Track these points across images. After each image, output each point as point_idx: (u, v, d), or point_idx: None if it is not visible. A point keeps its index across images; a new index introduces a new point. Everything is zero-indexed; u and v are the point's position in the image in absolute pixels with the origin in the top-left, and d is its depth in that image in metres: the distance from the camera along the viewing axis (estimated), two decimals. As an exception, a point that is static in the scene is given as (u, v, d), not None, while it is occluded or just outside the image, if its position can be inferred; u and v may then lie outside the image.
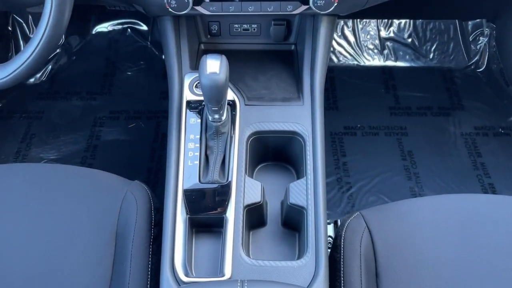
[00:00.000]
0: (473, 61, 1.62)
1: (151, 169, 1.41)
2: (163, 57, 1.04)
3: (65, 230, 0.89)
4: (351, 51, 1.63)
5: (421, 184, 1.37)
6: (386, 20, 1.61)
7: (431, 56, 1.63)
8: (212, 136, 0.88)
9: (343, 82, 1.58)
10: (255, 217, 0.86)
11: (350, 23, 1.62)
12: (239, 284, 0.67)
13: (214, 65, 0.75)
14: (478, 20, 1.59)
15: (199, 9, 0.90)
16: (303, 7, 0.89)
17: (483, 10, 1.55)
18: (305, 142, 0.90)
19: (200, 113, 0.91)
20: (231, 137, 0.89)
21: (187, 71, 0.98)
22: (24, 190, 0.93)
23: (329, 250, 0.86)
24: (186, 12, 0.88)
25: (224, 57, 0.77)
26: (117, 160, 1.43)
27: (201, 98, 0.92)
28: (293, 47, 1.09)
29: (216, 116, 0.85)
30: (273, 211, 0.91)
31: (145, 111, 1.53)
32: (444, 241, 0.89)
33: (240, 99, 0.94)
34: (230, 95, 0.93)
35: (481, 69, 1.62)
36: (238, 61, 1.04)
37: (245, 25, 1.05)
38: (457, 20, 1.59)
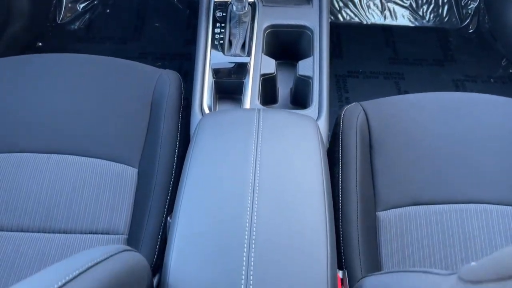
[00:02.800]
0: (465, 23, 1.81)
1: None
2: None
3: (107, 100, 1.05)
4: (355, 11, 1.82)
5: None
6: (387, -16, 1.81)
7: (427, 17, 1.82)
8: (235, 24, 1.06)
9: (347, 37, 1.77)
10: (268, 88, 1.03)
11: (355, -14, 1.82)
12: (256, 111, 0.83)
13: None
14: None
15: None
16: None
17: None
18: (313, 34, 1.07)
19: (225, 11, 1.10)
20: (251, 28, 1.06)
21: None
22: (72, 71, 1.10)
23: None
24: None
25: None
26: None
27: (227, -1, 1.10)
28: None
29: (240, 6, 1.03)
30: (282, 95, 1.08)
31: (170, 53, 1.72)
32: (429, 121, 1.04)
33: (258, 2, 1.12)
34: (250, -2, 1.11)
35: (472, 30, 1.80)
36: None
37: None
38: (450, -15, 1.79)
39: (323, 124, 0.92)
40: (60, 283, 0.43)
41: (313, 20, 1.09)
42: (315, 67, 1.01)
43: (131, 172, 0.98)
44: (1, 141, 0.99)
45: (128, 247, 0.59)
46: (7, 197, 0.93)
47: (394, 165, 1.00)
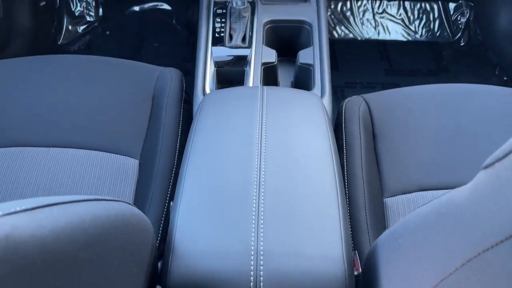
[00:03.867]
0: (456, 37, 1.86)
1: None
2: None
3: (108, 94, 1.05)
4: (350, 27, 1.87)
5: None
6: (379, 2, 1.87)
7: (419, 32, 1.87)
8: (235, 19, 1.08)
9: (343, 51, 1.80)
10: (270, 77, 1.03)
11: (348, 4, 1.88)
12: (260, 88, 0.83)
13: None
14: (458, 1, 1.85)
15: None
16: None
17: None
18: (312, 28, 1.09)
19: (225, 9, 1.12)
20: (251, 22, 1.09)
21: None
22: (72, 70, 1.10)
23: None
24: None
25: None
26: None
27: (226, -1, 1.13)
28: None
29: (240, 1, 1.06)
30: (283, 85, 1.08)
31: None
32: (430, 109, 1.04)
33: (258, 0, 1.15)
34: (250, -3, 1.14)
35: (463, 43, 1.85)
36: None
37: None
38: (439, 2, 1.85)
39: (327, 101, 0.92)
40: (18, 208, 0.36)
41: (311, 15, 1.12)
42: (316, 55, 1.02)
43: (132, 163, 0.97)
44: None
45: (125, 201, 0.55)
46: (5, 191, 0.91)
47: (398, 152, 0.99)
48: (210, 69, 1.01)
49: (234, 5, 1.06)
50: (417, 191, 0.95)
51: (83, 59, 1.15)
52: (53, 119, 1.01)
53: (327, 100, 0.93)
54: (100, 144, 0.98)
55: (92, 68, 1.11)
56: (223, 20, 1.09)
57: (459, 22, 1.86)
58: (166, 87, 1.05)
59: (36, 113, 1.02)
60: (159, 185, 0.91)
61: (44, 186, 0.91)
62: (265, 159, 0.65)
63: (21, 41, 1.67)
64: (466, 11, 1.85)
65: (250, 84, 0.98)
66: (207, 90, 0.97)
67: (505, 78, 1.67)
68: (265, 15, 1.11)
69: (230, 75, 1.01)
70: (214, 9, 1.12)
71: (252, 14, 1.10)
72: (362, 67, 1.76)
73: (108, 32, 1.90)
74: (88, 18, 1.89)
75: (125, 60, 1.16)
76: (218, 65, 1.01)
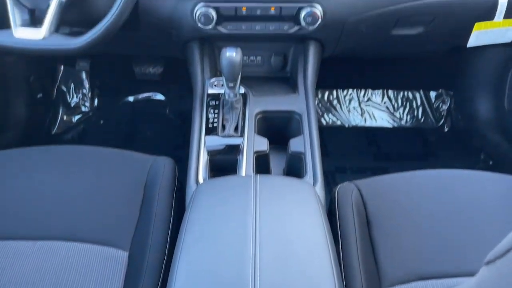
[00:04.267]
0: (440, 123, 1.93)
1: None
2: (189, 68, 1.31)
3: (97, 185, 1.04)
4: (337, 115, 1.94)
5: None
6: (363, 90, 1.96)
7: (404, 119, 1.95)
8: (228, 110, 1.11)
9: (331, 138, 1.86)
10: (262, 165, 1.04)
11: (335, 93, 1.96)
12: (253, 177, 0.84)
13: (232, 51, 1.03)
14: (439, 90, 1.95)
15: (220, 28, 1.22)
16: (296, 27, 1.22)
17: (441, 82, 1.92)
18: (301, 118, 1.13)
19: (218, 100, 1.16)
20: (243, 113, 1.12)
21: (207, 77, 1.26)
22: (61, 161, 1.10)
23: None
24: (211, 27, 1.19)
25: (239, 48, 1.06)
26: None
27: (219, 91, 1.18)
28: (288, 74, 1.39)
29: (232, 93, 1.10)
30: (275, 173, 1.09)
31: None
32: (424, 196, 1.05)
33: (249, 92, 1.20)
34: (242, 89, 1.19)
35: (447, 129, 1.92)
36: (245, 80, 1.33)
37: (252, 57, 1.37)
38: (421, 90, 1.95)
39: (319, 189, 0.93)
40: None
41: (300, 105, 1.17)
42: (306, 144, 1.05)
43: (120, 255, 0.94)
44: None
45: None
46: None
47: (394, 239, 0.98)
48: (203, 158, 1.02)
49: (227, 97, 1.10)
50: (417, 280, 0.92)
51: (75, 149, 1.16)
52: (41, 211, 0.99)
53: (319, 187, 0.94)
54: (89, 236, 0.96)
55: (83, 158, 1.11)
56: (216, 111, 1.12)
57: (441, 109, 1.94)
58: (159, 177, 1.05)
59: (24, 205, 1.00)
60: (148, 280, 0.87)
61: (27, 285, 0.87)
62: (260, 253, 0.63)
63: (14, 132, 1.69)
64: (446, 99, 1.94)
65: (243, 173, 0.99)
66: (200, 180, 0.98)
67: (490, 163, 1.71)
68: (256, 106, 1.15)
69: (223, 163, 1.03)
70: (208, 100, 1.16)
71: (244, 105, 1.14)
72: (352, 152, 1.80)
73: (102, 122, 1.94)
74: (83, 109, 1.95)
75: (118, 149, 1.17)
76: (211, 154, 1.02)
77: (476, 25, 1.25)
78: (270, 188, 0.78)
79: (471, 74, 1.76)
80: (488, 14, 1.22)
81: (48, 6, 0.97)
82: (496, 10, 1.20)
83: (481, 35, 1.28)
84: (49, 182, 1.05)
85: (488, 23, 1.24)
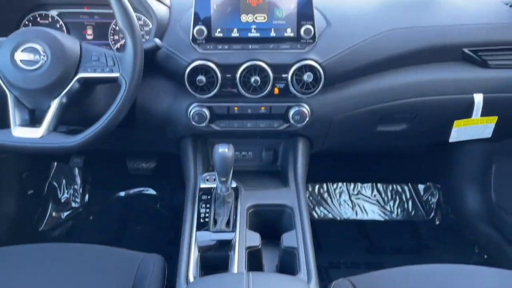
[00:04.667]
0: (431, 216, 1.94)
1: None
2: (182, 163, 1.34)
3: (83, 285, 1.01)
4: (328, 208, 1.95)
5: None
6: (353, 184, 1.99)
7: (395, 212, 1.95)
8: (219, 204, 1.12)
9: (324, 231, 1.84)
10: (254, 261, 1.02)
11: (325, 187, 1.99)
12: (245, 275, 0.82)
13: (224, 147, 1.07)
14: (426, 184, 1.99)
15: (213, 126, 1.27)
16: (286, 124, 1.27)
17: (428, 175, 1.97)
18: (293, 212, 1.13)
19: (210, 195, 1.17)
20: (235, 207, 1.13)
21: (200, 172, 1.28)
22: (46, 261, 1.07)
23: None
24: (204, 125, 1.24)
25: (231, 144, 1.10)
26: None
27: (211, 185, 1.19)
28: (279, 168, 1.42)
29: (224, 188, 1.11)
30: (268, 269, 1.07)
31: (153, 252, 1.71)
32: None
33: (241, 187, 1.21)
34: (234, 184, 1.21)
35: (438, 222, 1.92)
36: (237, 174, 1.35)
37: (243, 152, 1.41)
38: (409, 184, 1.99)
39: (314, 286, 0.90)
40: None
41: (291, 199, 1.18)
42: (299, 238, 1.04)
43: None
44: None
45: None
46: None
47: None
48: (194, 255, 1.00)
49: (219, 191, 1.11)
50: None
51: (60, 248, 1.14)
52: None
53: (313, 285, 0.92)
54: None
55: (69, 258, 1.09)
56: (207, 205, 1.13)
57: (430, 202, 1.96)
58: (147, 276, 1.02)
59: None
60: None
61: None
62: None
63: (2, 226, 1.65)
64: (435, 192, 1.97)
65: (235, 270, 0.96)
66: (191, 278, 0.95)
67: (485, 256, 1.69)
68: (248, 200, 1.16)
69: (215, 260, 1.00)
70: (199, 195, 1.17)
71: (236, 199, 1.15)
72: (344, 246, 1.77)
73: (91, 217, 1.92)
74: (73, 205, 1.93)
75: (105, 246, 1.14)
76: (202, 250, 1.01)
77: (456, 122, 1.31)
78: (264, 287, 0.76)
79: (457, 168, 1.81)
80: (465, 112, 1.29)
81: (49, 106, 1.01)
82: (473, 109, 1.27)
83: (461, 131, 1.35)
84: (32, 283, 1.01)
85: (467, 120, 1.32)
